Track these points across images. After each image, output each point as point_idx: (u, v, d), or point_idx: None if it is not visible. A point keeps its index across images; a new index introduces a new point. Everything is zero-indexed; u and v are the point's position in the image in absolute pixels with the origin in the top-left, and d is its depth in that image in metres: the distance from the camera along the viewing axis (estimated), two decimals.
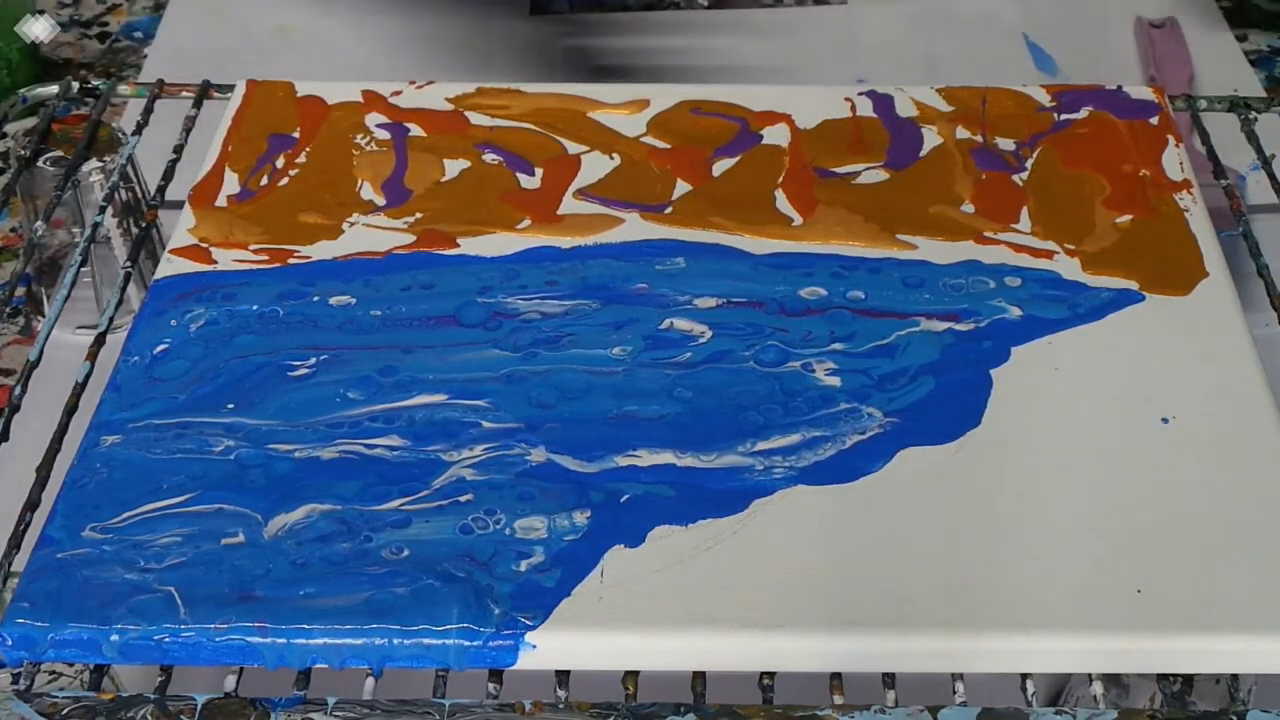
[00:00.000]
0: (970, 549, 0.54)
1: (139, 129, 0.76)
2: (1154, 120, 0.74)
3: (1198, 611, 0.52)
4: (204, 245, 0.67)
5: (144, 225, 0.72)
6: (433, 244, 0.67)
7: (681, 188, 0.70)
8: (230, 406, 0.59)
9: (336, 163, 0.72)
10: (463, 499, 0.56)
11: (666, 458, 0.57)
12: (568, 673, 0.51)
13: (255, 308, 0.64)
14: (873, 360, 0.61)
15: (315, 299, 0.64)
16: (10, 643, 0.51)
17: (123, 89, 0.80)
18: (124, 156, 0.76)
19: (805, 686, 0.51)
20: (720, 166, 0.72)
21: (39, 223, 0.75)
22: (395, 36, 1.05)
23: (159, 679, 0.51)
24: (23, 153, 0.78)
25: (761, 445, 0.58)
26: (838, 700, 0.51)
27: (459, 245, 0.67)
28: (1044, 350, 0.62)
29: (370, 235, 0.68)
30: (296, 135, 0.73)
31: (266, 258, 0.66)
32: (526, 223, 0.68)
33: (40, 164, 0.78)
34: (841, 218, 0.68)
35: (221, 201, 0.69)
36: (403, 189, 0.70)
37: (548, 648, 0.51)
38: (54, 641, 0.51)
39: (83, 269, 0.68)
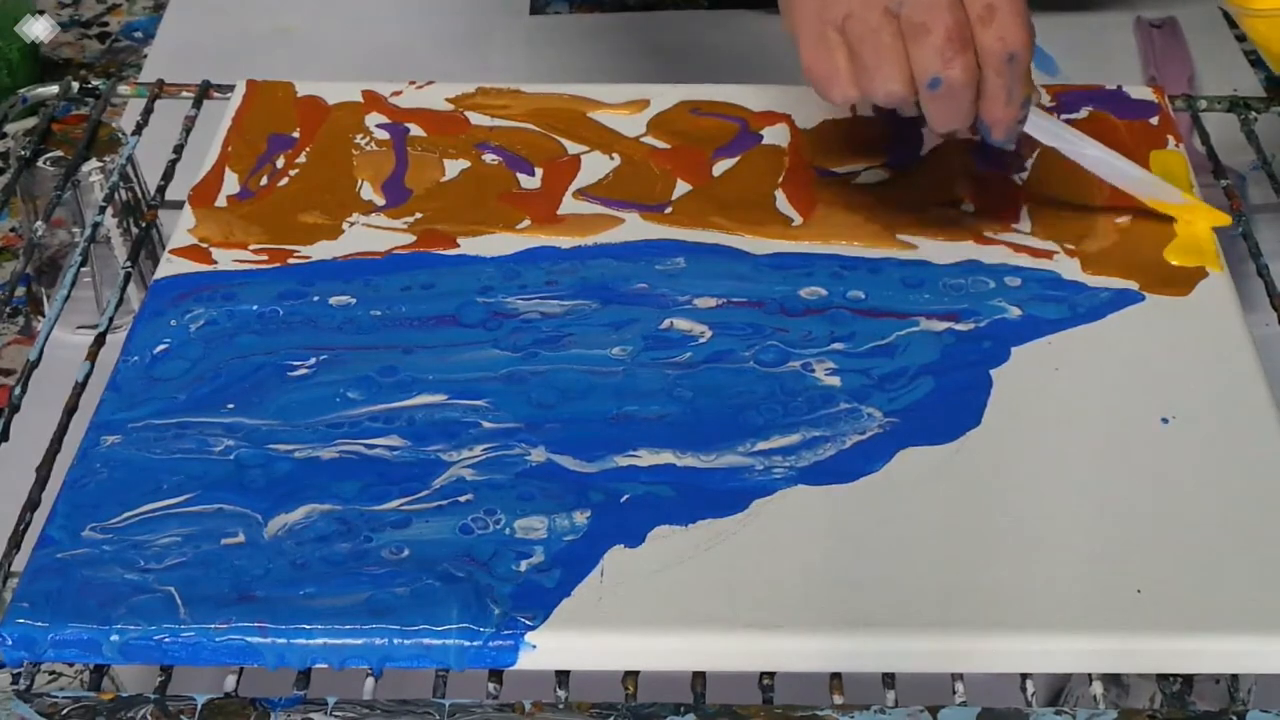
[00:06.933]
0: (970, 549, 0.54)
1: (139, 129, 0.76)
2: (1154, 120, 0.73)
3: (1198, 611, 0.52)
4: (204, 245, 0.67)
5: (144, 225, 0.72)
6: (433, 244, 0.67)
7: (681, 188, 0.70)
8: (230, 406, 0.59)
9: (336, 163, 0.72)
10: (463, 499, 0.55)
11: (666, 458, 0.57)
12: (568, 673, 0.51)
13: (255, 308, 0.63)
14: (873, 360, 0.61)
15: (315, 299, 0.64)
16: (10, 643, 0.51)
17: (123, 89, 0.80)
18: (124, 156, 0.76)
19: (805, 686, 0.51)
20: (720, 166, 0.71)
21: (39, 223, 0.75)
22: (395, 36, 1.05)
23: (159, 679, 0.51)
24: (23, 153, 0.78)
25: (761, 445, 0.58)
26: (838, 700, 0.51)
27: (459, 245, 0.67)
28: (1044, 350, 0.62)
29: (370, 235, 0.68)
30: (296, 135, 0.73)
31: (266, 258, 0.66)
32: (526, 223, 0.68)
33: (40, 164, 0.78)
34: (841, 218, 0.68)
35: (221, 201, 0.69)
36: (403, 189, 0.70)
37: (548, 648, 0.51)
38: (54, 641, 0.51)
39: (83, 269, 0.68)
